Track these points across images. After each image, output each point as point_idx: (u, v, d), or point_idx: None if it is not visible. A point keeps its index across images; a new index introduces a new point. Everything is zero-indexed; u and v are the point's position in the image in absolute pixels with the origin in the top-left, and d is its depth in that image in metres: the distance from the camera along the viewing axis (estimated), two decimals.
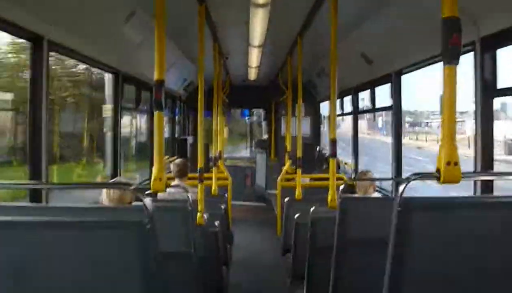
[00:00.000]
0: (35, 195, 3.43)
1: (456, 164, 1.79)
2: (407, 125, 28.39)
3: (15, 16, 3.07)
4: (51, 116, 4.66)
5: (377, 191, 5.32)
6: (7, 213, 2.03)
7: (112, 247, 1.68)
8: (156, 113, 2.78)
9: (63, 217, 1.92)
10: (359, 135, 8.07)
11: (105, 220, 1.73)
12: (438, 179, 1.80)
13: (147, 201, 1.67)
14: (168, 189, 3.69)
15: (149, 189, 2.89)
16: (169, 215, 3.01)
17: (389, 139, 6.50)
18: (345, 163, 9.17)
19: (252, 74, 9.08)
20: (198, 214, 3.95)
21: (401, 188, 1.69)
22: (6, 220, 1.69)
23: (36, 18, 3.34)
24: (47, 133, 3.57)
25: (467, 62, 3.59)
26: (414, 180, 1.76)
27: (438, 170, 1.81)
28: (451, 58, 1.82)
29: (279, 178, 7.70)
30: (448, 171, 1.79)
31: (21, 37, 3.46)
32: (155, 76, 2.70)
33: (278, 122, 12.03)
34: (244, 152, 17.02)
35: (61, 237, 1.67)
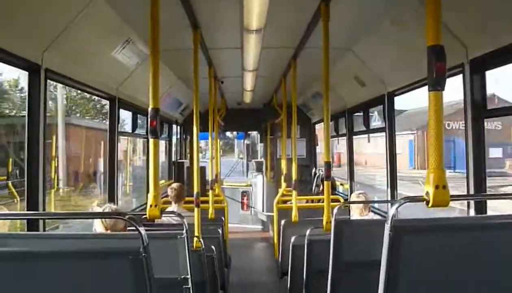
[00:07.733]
0: (32, 223, 3.43)
1: (444, 187, 1.83)
2: None
3: (11, 45, 3.10)
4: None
5: (373, 211, 5.33)
6: (5, 242, 2.04)
7: (108, 276, 1.70)
8: (151, 140, 2.76)
9: (59, 245, 1.94)
10: None
11: (100, 249, 1.75)
12: (427, 202, 1.84)
13: (142, 230, 1.69)
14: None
15: (145, 215, 2.90)
16: (166, 242, 3.02)
17: None
18: (341, 184, 9.18)
19: (247, 97, 9.12)
20: (195, 239, 3.95)
21: (391, 211, 1.73)
22: (3, 250, 1.71)
23: (32, 47, 3.37)
24: (44, 164, 3.57)
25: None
26: (403, 203, 1.81)
27: (427, 193, 1.85)
28: (436, 85, 1.87)
29: (275, 200, 7.66)
30: (436, 194, 1.82)
31: (18, 67, 3.45)
32: (150, 104, 2.68)
33: (274, 144, 12.01)
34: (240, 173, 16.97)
35: (58, 267, 1.69)
